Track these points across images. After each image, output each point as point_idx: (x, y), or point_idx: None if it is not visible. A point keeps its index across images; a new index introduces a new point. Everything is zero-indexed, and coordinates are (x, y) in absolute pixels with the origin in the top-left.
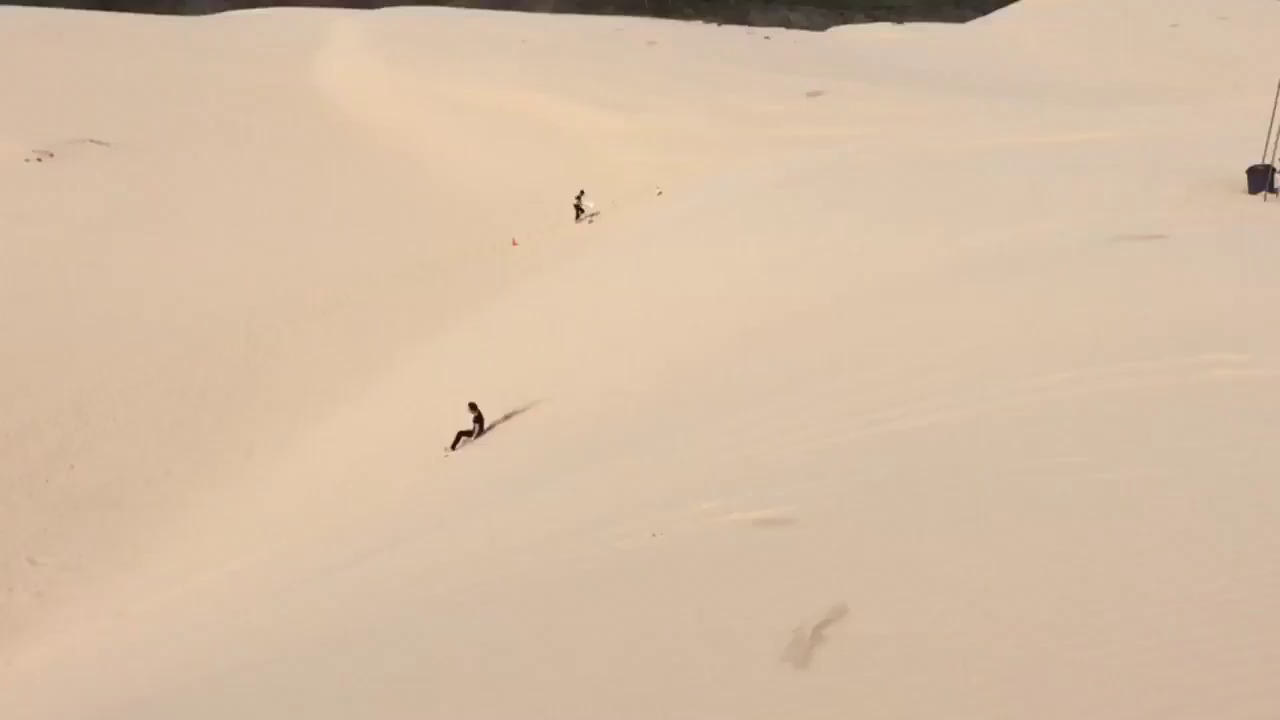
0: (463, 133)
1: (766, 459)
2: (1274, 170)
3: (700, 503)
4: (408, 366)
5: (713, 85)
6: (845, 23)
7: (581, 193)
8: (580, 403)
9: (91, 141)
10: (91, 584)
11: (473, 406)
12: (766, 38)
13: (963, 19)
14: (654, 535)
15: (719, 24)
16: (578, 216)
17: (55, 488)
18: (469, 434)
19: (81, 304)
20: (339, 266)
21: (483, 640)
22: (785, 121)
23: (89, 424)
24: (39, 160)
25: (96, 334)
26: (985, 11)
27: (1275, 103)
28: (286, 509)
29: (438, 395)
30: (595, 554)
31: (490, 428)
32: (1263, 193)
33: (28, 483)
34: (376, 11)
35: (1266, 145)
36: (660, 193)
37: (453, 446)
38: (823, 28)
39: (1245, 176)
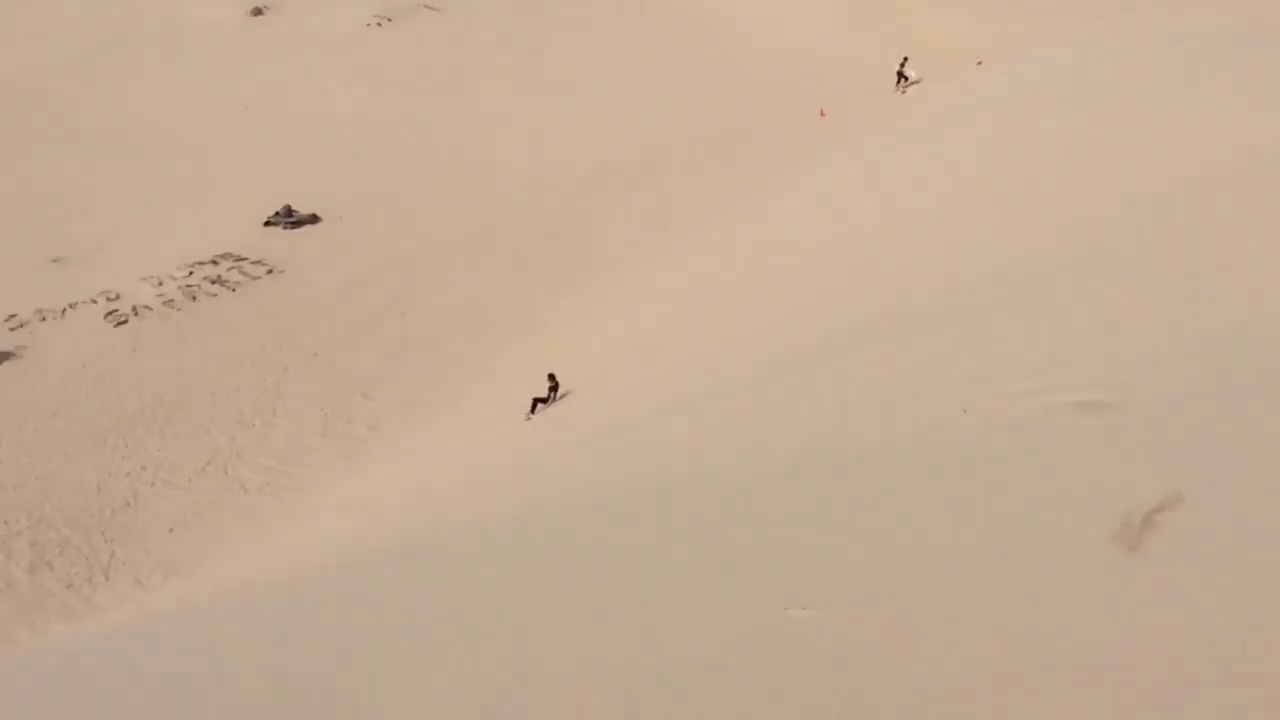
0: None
1: (1083, 344)
2: None
3: (1012, 383)
4: (707, 234)
5: None
6: None
7: (905, 60)
8: (888, 279)
9: (425, 7)
10: (415, 422)
11: (551, 377)
12: None
13: None
14: (964, 411)
15: None
16: (898, 83)
17: (388, 333)
18: (544, 401)
19: (411, 164)
20: (648, 136)
21: (821, 497)
22: None
23: (416, 276)
24: (379, 24)
25: (424, 193)
26: None
27: None
28: (592, 365)
29: (732, 265)
30: (902, 427)
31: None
32: None
33: (365, 327)
34: None
35: None
36: (980, 62)
37: (529, 414)
38: None
39: None
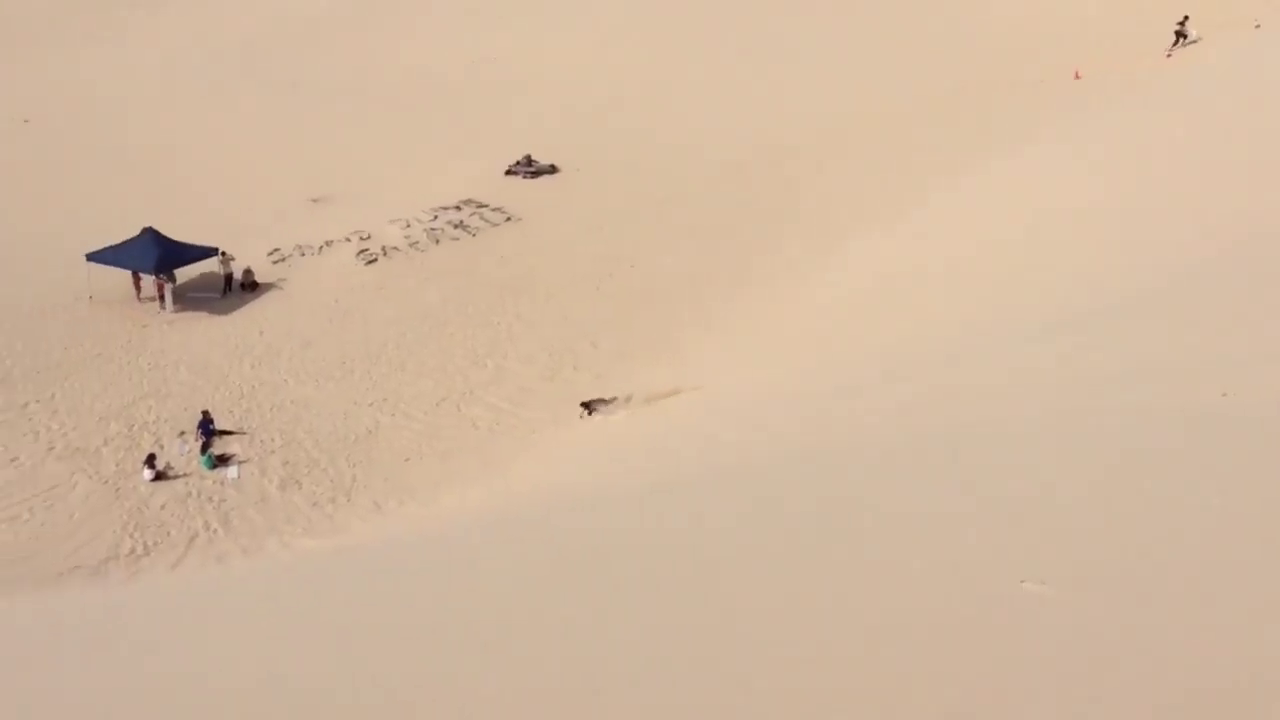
0: None
1: None
2: None
3: (1259, 372)
4: (941, 199)
5: None
6: None
7: (1185, 18)
8: (1099, 266)
9: None
10: (635, 371)
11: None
12: None
13: None
14: (1223, 395)
15: None
16: (1175, 43)
17: (617, 283)
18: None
19: (647, 120)
20: (882, 98)
21: (1059, 470)
22: None
23: (647, 229)
24: None
25: (658, 148)
26: None
27: None
28: (814, 324)
29: (952, 237)
30: (1156, 405)
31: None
32: None
33: (596, 276)
34: None
35: None
36: (1258, 25)
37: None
38: None
39: None
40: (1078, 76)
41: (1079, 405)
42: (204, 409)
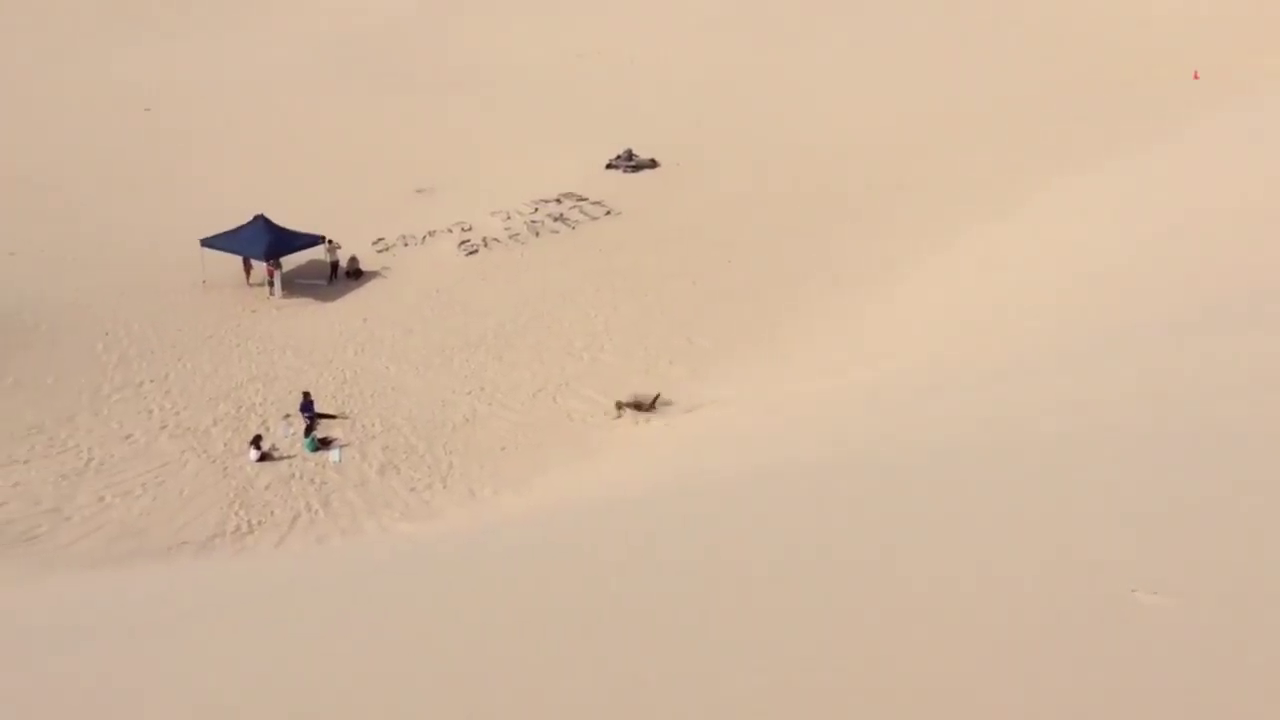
0: None
1: None
2: None
3: None
4: (1056, 196)
5: None
6: None
7: None
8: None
9: None
10: (733, 366)
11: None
12: None
13: None
14: None
15: None
16: None
17: (715, 279)
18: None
19: (748, 114)
20: (991, 92)
21: (1177, 479)
22: None
23: (746, 225)
24: None
25: (759, 143)
26: None
27: None
28: (915, 327)
29: (1088, 231)
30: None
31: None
32: None
33: (694, 272)
34: None
35: None
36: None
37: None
38: None
39: None
40: (1196, 77)
41: (1216, 413)
42: (305, 390)
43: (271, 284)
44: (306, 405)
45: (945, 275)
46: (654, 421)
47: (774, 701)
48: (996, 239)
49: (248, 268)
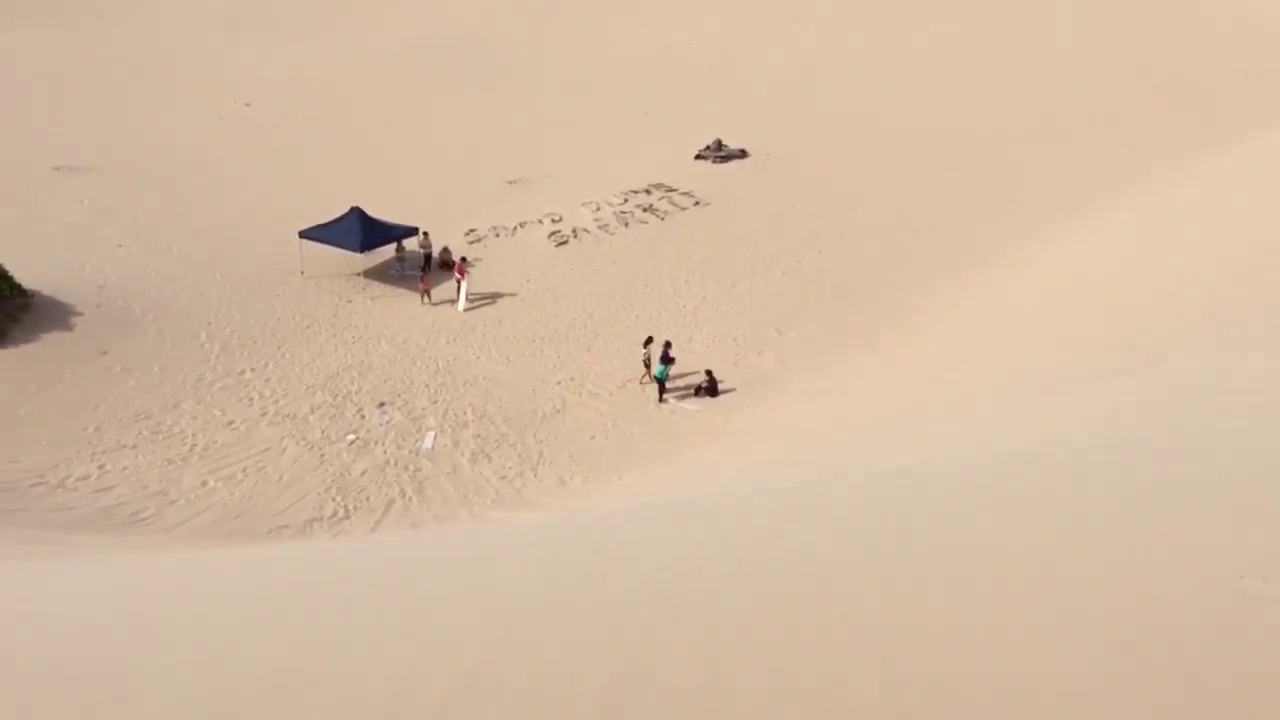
0: None
1: None
2: None
3: None
4: (1152, 198)
5: None
6: None
7: None
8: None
9: None
10: (821, 357)
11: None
12: None
13: None
14: None
15: None
16: None
17: (805, 270)
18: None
19: (839, 105)
20: (1092, 88)
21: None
22: None
23: (837, 216)
24: None
25: (850, 134)
26: None
27: None
28: (1014, 320)
29: (1188, 229)
30: None
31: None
32: None
33: (784, 263)
34: None
35: None
36: None
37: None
38: None
39: None
40: None
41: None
42: (666, 341)
43: (458, 291)
44: (666, 357)
45: (1040, 271)
46: (741, 414)
47: (890, 695)
48: (1094, 234)
49: (426, 286)
